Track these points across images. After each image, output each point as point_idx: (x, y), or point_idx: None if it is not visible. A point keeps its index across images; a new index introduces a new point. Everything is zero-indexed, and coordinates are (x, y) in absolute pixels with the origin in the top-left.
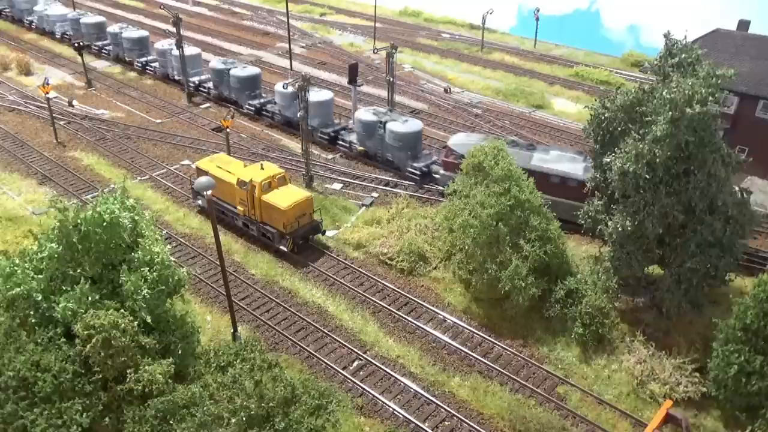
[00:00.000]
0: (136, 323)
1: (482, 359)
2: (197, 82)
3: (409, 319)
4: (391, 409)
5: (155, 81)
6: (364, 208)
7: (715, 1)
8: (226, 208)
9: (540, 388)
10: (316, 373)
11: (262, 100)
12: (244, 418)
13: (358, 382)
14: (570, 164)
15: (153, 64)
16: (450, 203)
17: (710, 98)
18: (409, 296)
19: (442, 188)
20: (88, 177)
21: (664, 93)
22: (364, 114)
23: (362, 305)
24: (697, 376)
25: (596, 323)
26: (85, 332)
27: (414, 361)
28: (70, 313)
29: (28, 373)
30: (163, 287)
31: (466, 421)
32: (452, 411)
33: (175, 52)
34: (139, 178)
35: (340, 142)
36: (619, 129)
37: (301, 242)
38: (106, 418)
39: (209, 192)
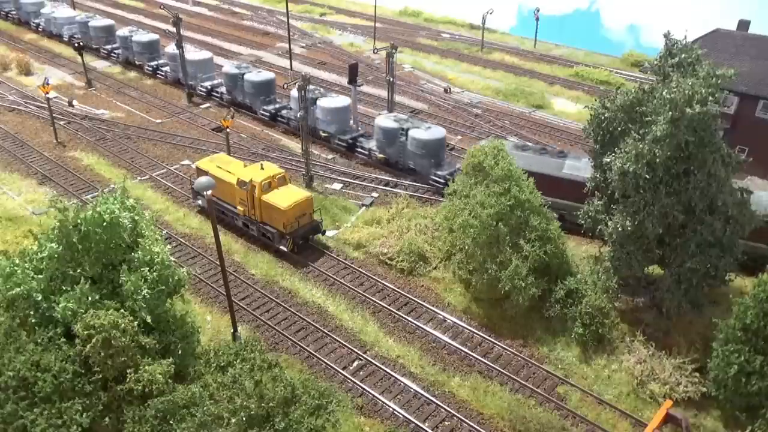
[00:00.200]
0: (136, 323)
1: (482, 359)
2: (209, 87)
3: (409, 319)
4: (391, 409)
5: (155, 81)
6: (364, 208)
7: (715, 1)
8: (226, 208)
9: (540, 388)
10: (316, 373)
11: (277, 106)
12: (244, 418)
13: (358, 382)
14: None
15: (164, 69)
16: (450, 203)
17: (710, 98)
18: (409, 296)
19: None
20: (88, 177)
21: (664, 93)
22: (385, 121)
23: (362, 305)
24: (697, 376)
25: (596, 323)
26: (85, 332)
27: (414, 361)
28: (70, 313)
29: (28, 373)
30: (163, 287)
31: (466, 421)
32: (452, 411)
33: (188, 56)
34: (139, 178)
35: (359, 150)
36: (619, 129)
37: (301, 242)
38: (106, 418)
39: (209, 192)
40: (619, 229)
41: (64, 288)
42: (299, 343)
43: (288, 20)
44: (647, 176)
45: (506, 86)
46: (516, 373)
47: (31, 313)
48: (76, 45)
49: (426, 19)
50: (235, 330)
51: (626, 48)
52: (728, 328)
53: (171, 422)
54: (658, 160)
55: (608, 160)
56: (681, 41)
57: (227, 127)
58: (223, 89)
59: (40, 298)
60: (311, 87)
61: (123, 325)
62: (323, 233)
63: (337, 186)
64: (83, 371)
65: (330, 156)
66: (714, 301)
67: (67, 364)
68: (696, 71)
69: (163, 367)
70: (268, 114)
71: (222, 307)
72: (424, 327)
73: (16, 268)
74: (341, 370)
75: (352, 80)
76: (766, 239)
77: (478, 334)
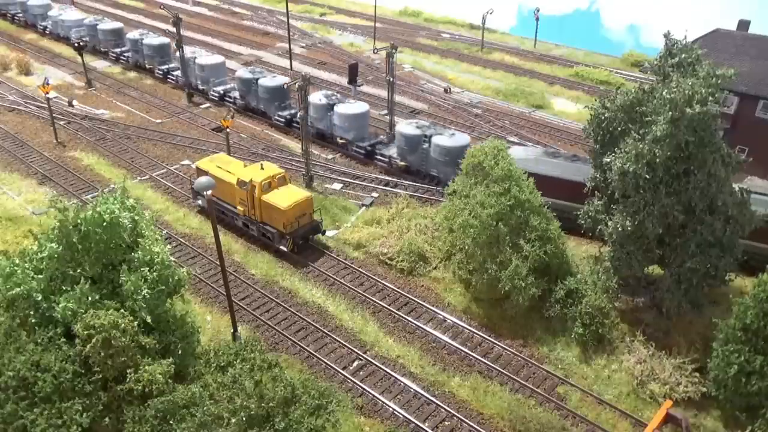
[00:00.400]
0: (136, 323)
1: (482, 359)
2: (222, 92)
3: (409, 319)
4: (391, 409)
5: (155, 81)
6: (364, 208)
7: (715, 1)
8: (226, 208)
9: (540, 388)
10: (316, 373)
11: (292, 111)
12: (244, 418)
13: (358, 382)
14: None
15: (174, 73)
16: (450, 203)
17: (710, 98)
18: (409, 296)
19: None
20: (88, 177)
21: (664, 93)
22: (407, 127)
23: (362, 305)
24: (697, 376)
25: (596, 323)
26: (85, 332)
27: (414, 361)
28: (70, 313)
29: (28, 373)
30: (163, 287)
31: (466, 421)
32: (452, 411)
33: (199, 60)
34: (139, 178)
35: (379, 157)
36: (619, 129)
37: (301, 242)
38: (106, 418)
39: (209, 192)
40: (619, 229)
41: (64, 288)
42: (299, 343)
43: (288, 20)
44: (647, 176)
45: (506, 86)
46: (516, 373)
47: (31, 313)
48: (76, 45)
49: (426, 19)
50: (235, 330)
51: (626, 48)
52: (728, 328)
53: (171, 422)
54: (658, 160)
55: (608, 160)
56: (681, 41)
57: (227, 127)
58: (236, 94)
59: (40, 298)
60: (328, 93)
61: (123, 325)
62: (323, 233)
63: (337, 186)
64: (83, 371)
65: (330, 156)
66: (714, 301)
67: (67, 364)
68: (696, 71)
69: (163, 367)
70: (283, 120)
71: (222, 307)
72: (424, 327)
73: (16, 268)
74: (341, 370)
75: (352, 80)
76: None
77: (478, 334)
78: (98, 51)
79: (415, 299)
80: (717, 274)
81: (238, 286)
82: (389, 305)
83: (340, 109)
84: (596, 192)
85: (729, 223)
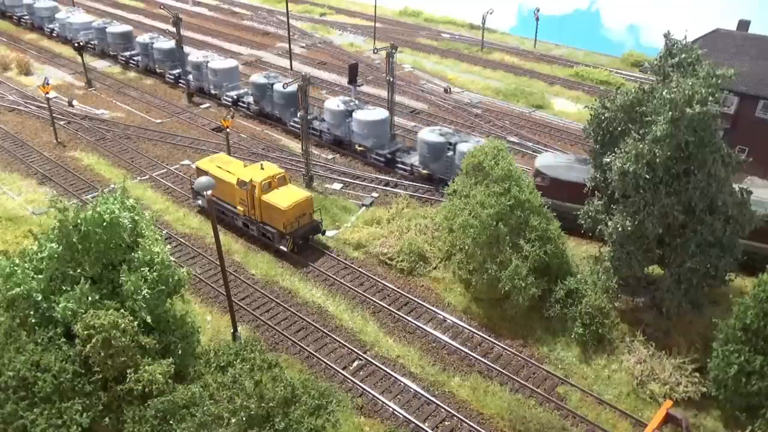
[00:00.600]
0: (136, 323)
1: (482, 359)
2: (235, 97)
3: (409, 319)
4: (391, 409)
5: (155, 81)
6: (364, 208)
7: (715, 1)
8: (226, 208)
9: (540, 388)
10: (316, 373)
11: (308, 117)
12: (244, 418)
13: (358, 382)
14: None
15: (186, 78)
16: (450, 203)
17: (710, 98)
18: (409, 296)
19: None
20: (88, 177)
21: (664, 93)
22: (430, 135)
23: (362, 305)
24: (697, 376)
25: (596, 323)
26: (85, 332)
27: (414, 361)
28: (70, 313)
29: (28, 373)
30: (163, 287)
31: (466, 421)
32: (452, 411)
33: (212, 64)
34: (139, 178)
35: (400, 165)
36: (619, 129)
37: (301, 242)
38: (106, 418)
39: (209, 192)
40: (619, 229)
41: (64, 288)
42: (299, 343)
43: (288, 20)
44: (647, 176)
45: (506, 86)
46: (516, 373)
47: (31, 313)
48: (76, 45)
49: (426, 19)
50: (235, 330)
51: (626, 48)
52: (728, 328)
53: (171, 422)
54: (658, 160)
55: (608, 160)
56: (681, 41)
57: (227, 127)
58: (249, 99)
59: (40, 298)
60: (346, 99)
61: (123, 325)
62: (323, 233)
63: (337, 186)
64: (83, 371)
65: (330, 156)
66: (714, 301)
67: (67, 364)
68: (696, 71)
69: (163, 367)
70: (299, 126)
71: (222, 307)
72: (424, 327)
73: (16, 268)
74: (341, 370)
75: (352, 80)
76: None
77: (478, 334)
78: (107, 54)
79: (415, 299)
80: (717, 274)
81: (238, 286)
82: (389, 305)
83: (358, 115)
84: (596, 192)
85: (729, 223)
